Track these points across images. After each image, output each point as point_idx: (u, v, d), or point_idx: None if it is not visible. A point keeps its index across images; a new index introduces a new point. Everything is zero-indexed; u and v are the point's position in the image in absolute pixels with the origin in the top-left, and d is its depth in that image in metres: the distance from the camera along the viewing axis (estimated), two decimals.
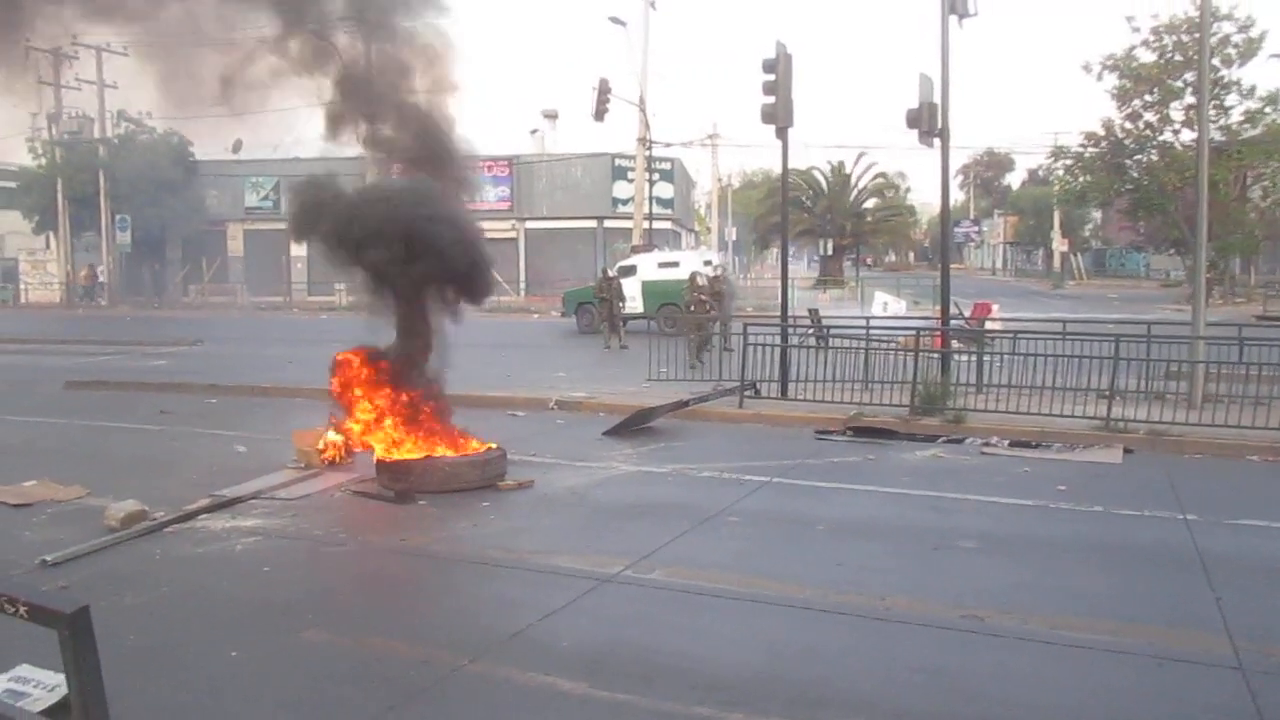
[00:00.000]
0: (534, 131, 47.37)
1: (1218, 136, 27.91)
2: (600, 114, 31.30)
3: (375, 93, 9.75)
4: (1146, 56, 29.56)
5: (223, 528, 7.64)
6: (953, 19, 13.90)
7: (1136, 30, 29.44)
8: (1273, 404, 11.19)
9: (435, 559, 6.98)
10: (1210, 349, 12.96)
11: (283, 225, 41.28)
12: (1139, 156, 31.20)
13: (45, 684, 4.54)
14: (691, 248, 46.79)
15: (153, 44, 10.13)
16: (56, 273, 44.86)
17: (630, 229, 36.84)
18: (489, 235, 43.01)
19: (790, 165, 15.37)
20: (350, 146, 10.05)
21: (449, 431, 9.54)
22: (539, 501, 8.53)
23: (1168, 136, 30.44)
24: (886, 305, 26.56)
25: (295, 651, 5.28)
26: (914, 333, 14.53)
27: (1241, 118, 30.26)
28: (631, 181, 39.03)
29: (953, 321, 15.87)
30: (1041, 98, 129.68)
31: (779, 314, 15.54)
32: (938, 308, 15.72)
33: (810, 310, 20.74)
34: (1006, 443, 11.03)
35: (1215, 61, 27.25)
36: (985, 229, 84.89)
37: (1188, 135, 29.14)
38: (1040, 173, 61.62)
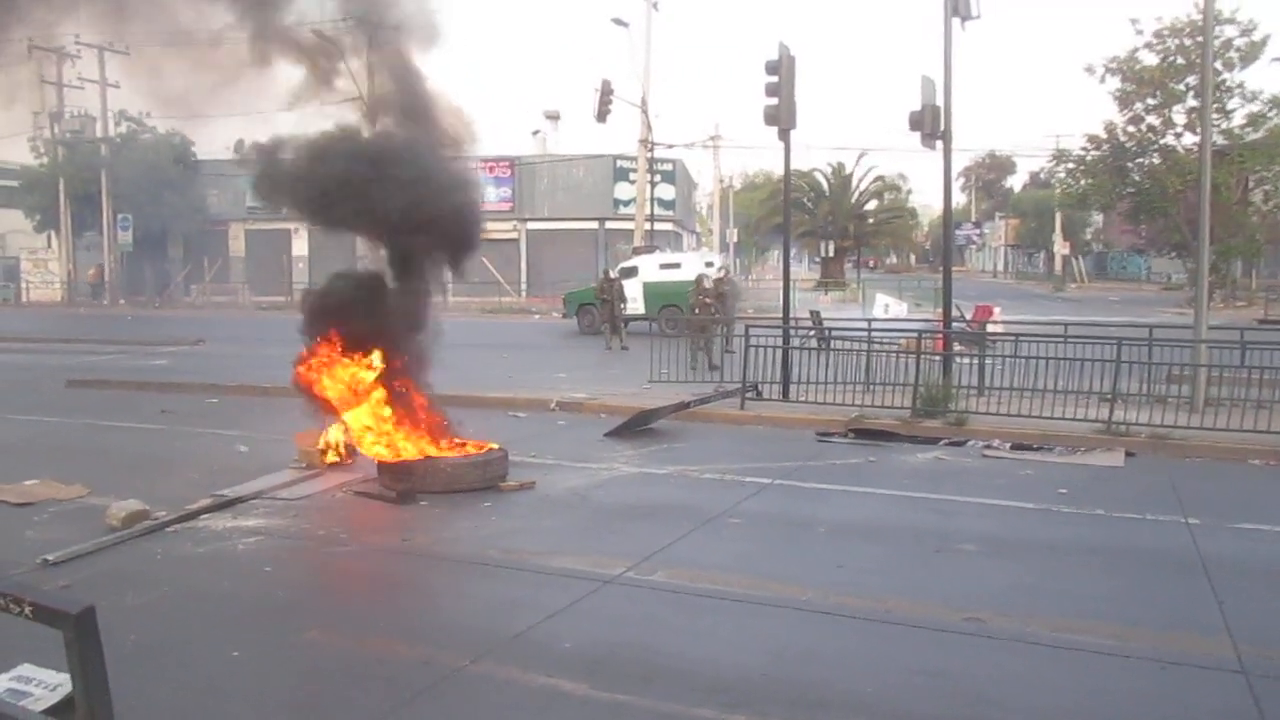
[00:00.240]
0: (536, 132, 47.44)
1: (1220, 140, 27.86)
2: (602, 115, 31.30)
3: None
4: (1149, 59, 29.55)
5: (224, 528, 7.64)
6: (955, 21, 13.91)
7: (1140, 33, 29.44)
8: (1275, 408, 11.19)
9: (437, 560, 6.98)
10: (1212, 352, 12.96)
11: (285, 225, 41.66)
12: (1141, 160, 31.17)
13: (47, 683, 4.53)
14: (693, 249, 46.83)
15: (153, 42, 10.11)
16: (58, 272, 44.91)
17: (632, 230, 36.84)
18: (491, 236, 42.98)
19: (792, 167, 15.37)
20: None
21: (435, 422, 9.49)
22: (540, 503, 8.53)
23: (1170, 140, 30.42)
24: (888, 307, 26.52)
25: (297, 652, 5.28)
26: (916, 335, 14.51)
27: (1243, 121, 30.26)
28: (633, 183, 39.04)
29: (954, 324, 15.87)
30: (1043, 100, 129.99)
31: (780, 316, 15.54)
32: (939, 310, 15.71)
33: (812, 312, 20.73)
34: (1008, 445, 11.02)
35: (1217, 65, 27.23)
36: (986, 232, 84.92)
37: (1190, 139, 29.12)
38: (1042, 175, 61.56)
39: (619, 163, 42.01)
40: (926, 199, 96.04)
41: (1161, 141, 30.51)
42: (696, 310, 18.61)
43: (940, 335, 14.69)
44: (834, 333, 16.59)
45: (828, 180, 58.92)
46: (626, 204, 40.95)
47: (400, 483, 8.64)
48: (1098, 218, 60.71)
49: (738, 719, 4.46)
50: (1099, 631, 5.47)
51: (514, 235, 43.32)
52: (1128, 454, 10.54)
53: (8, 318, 34.05)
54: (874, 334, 15.29)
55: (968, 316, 19.09)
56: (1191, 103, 28.63)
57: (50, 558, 6.65)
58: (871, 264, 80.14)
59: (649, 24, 34.45)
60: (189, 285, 44.51)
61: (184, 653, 5.23)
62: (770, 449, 11.00)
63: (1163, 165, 30.19)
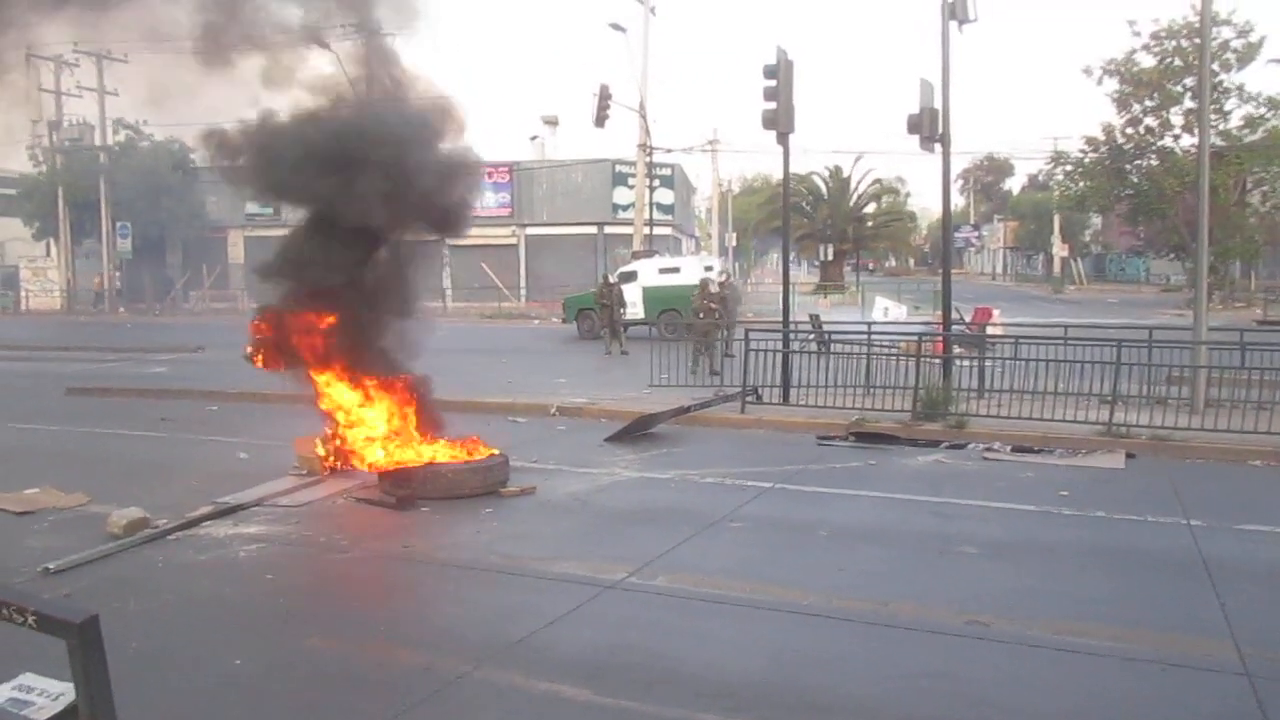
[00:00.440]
0: (534, 137, 47.48)
1: (1217, 141, 27.95)
2: (601, 120, 31.31)
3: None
4: (1146, 61, 29.64)
5: (225, 535, 7.64)
6: (953, 24, 13.94)
7: (1137, 34, 29.53)
8: (1275, 409, 11.18)
9: (438, 566, 6.97)
10: (1212, 354, 12.98)
11: (284, 231, 41.39)
12: (1139, 161, 31.26)
13: (49, 692, 4.51)
14: (692, 253, 46.84)
15: (149, 48, 10.05)
16: (57, 280, 44.89)
17: (630, 235, 36.85)
18: (490, 242, 42.89)
19: (791, 171, 15.38)
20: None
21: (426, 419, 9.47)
22: (541, 508, 8.53)
23: (1168, 141, 30.51)
24: (887, 310, 26.59)
25: (299, 659, 5.28)
26: (915, 338, 14.51)
27: (1241, 123, 30.33)
28: (632, 187, 39.06)
29: (954, 327, 15.88)
30: (1041, 103, 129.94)
31: (780, 319, 15.54)
32: (939, 313, 15.73)
33: (811, 316, 20.74)
34: (1009, 448, 11.02)
35: (1214, 67, 27.31)
36: (985, 234, 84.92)
37: (1187, 140, 29.21)
38: (1040, 178, 61.68)
39: (617, 167, 42.04)
40: (925, 202, 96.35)
41: (1159, 143, 30.60)
42: (701, 314, 18.62)
43: (940, 338, 14.70)
44: (834, 336, 16.59)
45: (826, 184, 58.90)
46: (625, 209, 40.97)
47: (400, 489, 8.63)
48: (1096, 219, 60.74)
49: None
50: (1101, 634, 5.47)
51: (513, 240, 43.35)
52: (1128, 456, 10.53)
53: (7, 326, 34.05)
54: (874, 337, 15.30)
55: (967, 319, 19.09)
56: (1189, 104, 28.72)
57: (51, 566, 6.64)
58: (870, 267, 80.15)
59: (646, 29, 34.45)
60: (188, 292, 44.48)
61: (186, 660, 5.23)
62: (771, 453, 10.99)
63: (1161, 167, 30.27)
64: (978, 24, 14.10)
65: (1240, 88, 29.64)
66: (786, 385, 13.73)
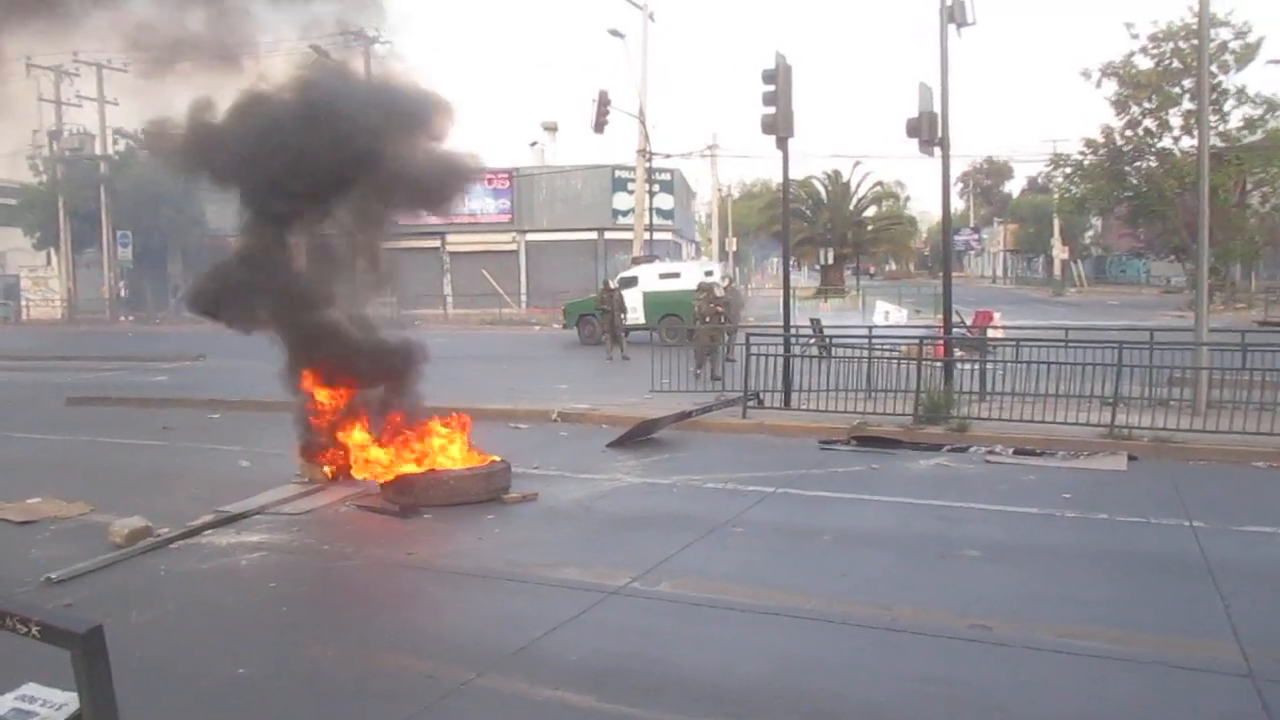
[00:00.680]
0: (534, 144, 47.58)
1: (1217, 143, 27.96)
2: (600, 126, 31.37)
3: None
4: (1145, 63, 29.66)
5: (227, 543, 7.64)
6: (951, 28, 13.97)
7: (1135, 37, 29.56)
8: (1277, 410, 11.16)
9: (441, 573, 6.96)
10: (1213, 355, 12.97)
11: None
12: (1138, 163, 31.27)
13: (52, 702, 4.51)
14: (692, 258, 46.85)
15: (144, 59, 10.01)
16: (58, 289, 44.92)
17: (631, 240, 36.88)
18: (490, 248, 42.78)
19: (790, 175, 15.40)
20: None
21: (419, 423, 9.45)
22: (544, 514, 8.52)
23: (1167, 143, 30.52)
24: (888, 314, 26.59)
25: (302, 667, 5.28)
26: (916, 341, 14.51)
27: (1240, 124, 30.35)
28: (631, 193, 39.11)
29: (955, 330, 15.88)
30: (1041, 105, 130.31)
31: (781, 324, 15.54)
32: (939, 316, 15.73)
33: (812, 320, 20.74)
34: (1011, 451, 11.01)
35: (1213, 68, 27.34)
36: (985, 237, 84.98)
37: (1187, 142, 29.23)
38: (1040, 180, 61.60)
39: (617, 173, 42.08)
40: (925, 205, 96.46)
41: (1158, 145, 30.61)
42: (707, 319, 18.58)
43: (941, 341, 14.70)
44: (835, 340, 16.59)
45: (826, 188, 59.01)
46: (625, 214, 41.01)
47: (403, 496, 8.63)
48: (1096, 222, 60.77)
49: None
50: (1104, 636, 5.46)
51: (513, 247, 43.40)
52: (1130, 458, 10.52)
53: (8, 336, 34.07)
54: (875, 341, 15.30)
55: (968, 322, 19.09)
56: (1188, 106, 28.73)
57: (54, 576, 6.64)
58: (871, 271, 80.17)
59: (645, 35, 34.54)
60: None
61: (189, 669, 5.23)
62: (773, 457, 10.99)
63: (1160, 169, 30.28)
64: (976, 27, 14.17)
65: (1241, 89, 29.67)
66: (788, 390, 13.73)
